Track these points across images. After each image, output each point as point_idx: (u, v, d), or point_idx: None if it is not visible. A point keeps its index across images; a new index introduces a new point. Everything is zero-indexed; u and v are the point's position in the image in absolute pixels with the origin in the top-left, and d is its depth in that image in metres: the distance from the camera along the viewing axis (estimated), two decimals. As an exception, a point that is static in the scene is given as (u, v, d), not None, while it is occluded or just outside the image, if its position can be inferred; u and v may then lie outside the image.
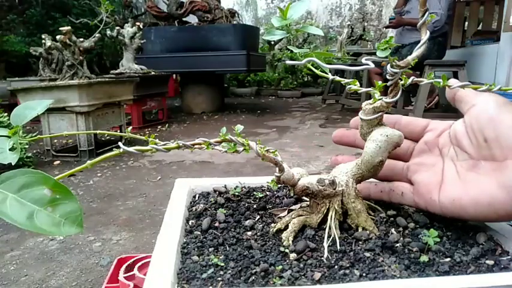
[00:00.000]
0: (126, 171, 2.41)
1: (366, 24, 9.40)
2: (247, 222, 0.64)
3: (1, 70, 5.90)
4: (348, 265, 0.51)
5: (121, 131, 3.14)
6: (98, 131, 0.58)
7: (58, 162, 2.63)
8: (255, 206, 0.71)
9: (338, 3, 9.60)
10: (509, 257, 0.52)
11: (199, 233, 0.62)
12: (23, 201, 0.38)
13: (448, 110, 4.18)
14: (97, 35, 2.86)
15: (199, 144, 0.56)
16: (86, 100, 2.61)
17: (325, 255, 0.53)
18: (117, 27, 3.86)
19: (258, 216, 0.67)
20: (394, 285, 0.46)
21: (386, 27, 4.37)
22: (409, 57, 0.54)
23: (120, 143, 0.55)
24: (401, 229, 0.60)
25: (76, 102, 2.58)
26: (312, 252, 0.55)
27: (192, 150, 0.56)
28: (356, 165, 0.63)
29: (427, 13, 0.52)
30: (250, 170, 2.38)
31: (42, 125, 2.75)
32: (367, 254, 0.53)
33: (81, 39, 2.82)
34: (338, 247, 0.55)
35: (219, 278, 0.50)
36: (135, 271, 0.93)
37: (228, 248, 0.58)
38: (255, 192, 0.78)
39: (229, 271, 0.52)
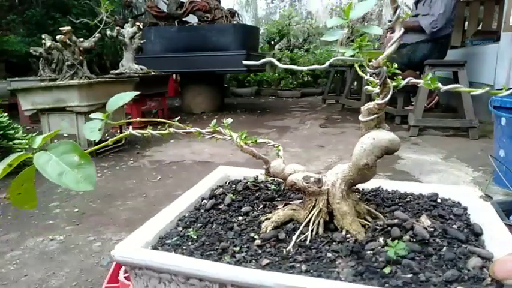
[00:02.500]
0: (126, 171, 2.41)
1: (366, 24, 9.39)
2: (244, 209, 0.69)
3: (1, 70, 5.89)
4: (301, 259, 0.53)
5: (121, 131, 3.14)
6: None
7: (58, 162, 2.63)
8: (263, 196, 0.75)
9: (338, 3, 9.59)
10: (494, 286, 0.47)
11: (203, 211, 0.69)
12: (60, 163, 0.50)
13: (447, 110, 4.18)
14: (97, 35, 2.86)
15: (191, 132, 0.63)
16: (86, 100, 2.60)
17: (288, 248, 0.56)
18: (117, 27, 3.86)
19: (262, 206, 0.71)
20: (306, 283, 0.46)
21: (389, 29, 4.36)
22: (379, 58, 0.53)
23: (130, 128, 0.66)
24: (390, 239, 0.58)
25: (76, 102, 2.58)
26: (278, 242, 0.58)
27: (200, 139, 0.62)
28: (348, 168, 0.62)
29: (398, 10, 0.51)
30: (250, 170, 2.38)
31: (42, 125, 2.75)
32: (329, 254, 0.54)
33: (81, 39, 2.82)
34: (307, 243, 0.57)
35: (184, 247, 0.58)
36: (135, 271, 0.93)
37: (213, 226, 0.64)
38: (268, 185, 0.81)
39: (196, 244, 0.58)
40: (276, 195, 0.76)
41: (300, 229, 0.60)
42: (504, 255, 0.48)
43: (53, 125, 2.71)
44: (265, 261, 0.52)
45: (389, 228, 0.60)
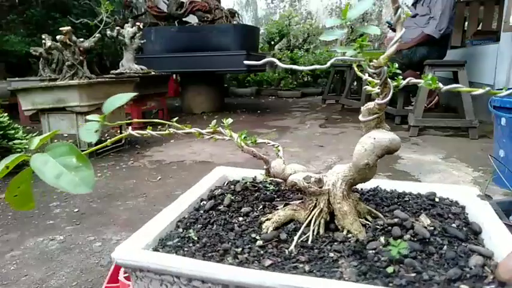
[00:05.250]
0: (126, 171, 2.41)
1: (365, 24, 9.39)
2: (244, 210, 0.68)
3: (1, 70, 5.89)
4: (304, 260, 0.53)
5: (121, 131, 3.14)
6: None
7: (58, 162, 2.63)
8: (262, 196, 0.74)
9: (338, 3, 9.60)
10: (495, 286, 0.48)
11: (202, 212, 0.68)
12: (58, 165, 0.49)
13: (447, 110, 4.18)
14: (97, 35, 2.86)
15: (191, 133, 0.63)
16: (86, 100, 2.60)
17: (291, 248, 0.55)
18: (117, 27, 3.86)
19: (261, 206, 0.71)
20: (314, 284, 0.46)
21: (391, 28, 4.41)
22: (380, 57, 0.53)
23: (129, 128, 0.65)
24: (392, 239, 0.58)
25: (76, 102, 2.58)
26: (279, 243, 0.57)
27: (200, 139, 0.62)
28: (348, 168, 0.62)
29: (399, 10, 0.51)
30: (250, 170, 2.38)
31: (42, 125, 2.75)
32: (331, 254, 0.54)
33: (81, 39, 2.82)
34: (309, 243, 0.57)
35: (186, 248, 0.57)
36: (135, 271, 0.93)
37: (213, 227, 0.63)
38: (267, 185, 0.81)
39: (198, 245, 0.58)
40: (276, 196, 0.76)
41: (301, 229, 0.60)
42: (506, 256, 0.48)
43: (53, 125, 2.71)
44: (268, 262, 0.51)
45: (389, 227, 0.61)
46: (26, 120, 4.23)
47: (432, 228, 0.61)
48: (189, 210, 0.69)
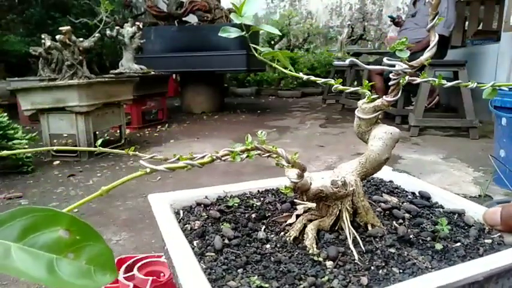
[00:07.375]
0: (126, 172, 2.41)
1: (366, 24, 9.39)
2: (260, 235, 0.61)
3: (1, 70, 5.88)
4: (382, 264, 0.51)
5: (121, 131, 3.13)
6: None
7: (58, 162, 2.62)
8: (254, 216, 0.68)
9: (338, 3, 9.60)
10: (498, 233, 0.57)
11: (213, 254, 0.57)
12: (32, 250, 0.28)
13: (447, 110, 4.17)
14: (97, 34, 2.86)
15: (227, 155, 0.55)
16: (85, 100, 2.60)
17: (356, 257, 0.53)
18: (117, 27, 3.86)
19: (264, 226, 0.64)
20: (450, 275, 0.45)
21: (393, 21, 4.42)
22: (422, 58, 0.55)
23: (142, 161, 0.52)
24: (401, 221, 0.62)
25: (76, 102, 2.58)
26: (343, 256, 0.54)
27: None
28: (360, 164, 0.62)
29: (437, 16, 0.52)
30: (250, 170, 2.38)
31: (41, 125, 2.75)
32: (392, 250, 0.54)
33: (81, 39, 2.82)
34: (363, 247, 0.55)
35: None
36: (135, 271, 0.93)
37: (257, 266, 0.54)
38: (251, 201, 0.74)
39: None
40: (265, 212, 0.70)
41: (349, 237, 0.58)
42: (491, 208, 0.59)
43: (53, 125, 2.71)
44: (364, 280, 0.48)
45: (386, 212, 0.65)
46: (25, 120, 4.23)
47: (405, 203, 0.67)
48: (197, 259, 0.57)
